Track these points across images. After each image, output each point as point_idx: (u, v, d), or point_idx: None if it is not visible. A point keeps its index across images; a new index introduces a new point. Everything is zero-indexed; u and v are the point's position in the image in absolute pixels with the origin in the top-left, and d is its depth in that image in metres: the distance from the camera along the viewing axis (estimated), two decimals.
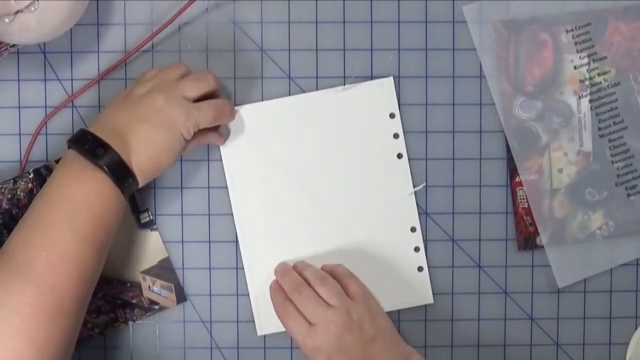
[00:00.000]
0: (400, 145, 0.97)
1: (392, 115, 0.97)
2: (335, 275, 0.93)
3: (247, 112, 0.96)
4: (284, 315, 0.92)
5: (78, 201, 0.82)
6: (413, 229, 0.97)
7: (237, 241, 0.96)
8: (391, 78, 0.96)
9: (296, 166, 0.96)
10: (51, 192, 0.84)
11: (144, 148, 0.85)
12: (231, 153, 0.96)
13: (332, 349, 0.88)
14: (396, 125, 0.96)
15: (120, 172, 0.84)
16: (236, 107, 0.95)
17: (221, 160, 0.96)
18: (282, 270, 0.94)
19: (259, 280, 0.96)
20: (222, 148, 0.96)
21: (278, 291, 0.93)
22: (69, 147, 0.85)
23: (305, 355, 0.91)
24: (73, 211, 0.82)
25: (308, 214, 0.96)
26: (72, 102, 0.96)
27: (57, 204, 0.83)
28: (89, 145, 0.83)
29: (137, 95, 0.87)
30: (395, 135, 0.97)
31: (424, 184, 0.96)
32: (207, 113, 0.89)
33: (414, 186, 0.96)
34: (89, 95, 0.96)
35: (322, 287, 0.91)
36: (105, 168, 0.83)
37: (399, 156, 0.97)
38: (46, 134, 0.96)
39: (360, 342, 0.89)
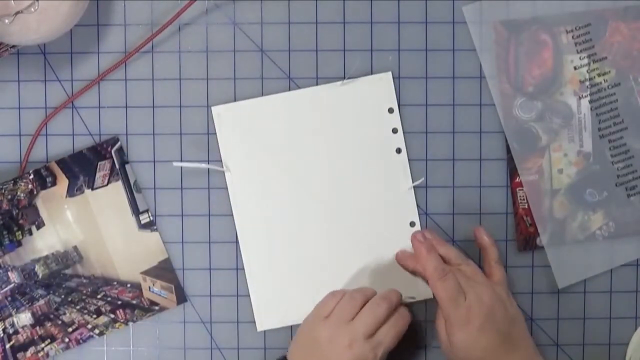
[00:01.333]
0: (399, 140, 0.97)
1: (390, 110, 0.97)
2: (486, 255, 0.94)
3: (245, 107, 0.96)
4: (441, 278, 0.90)
5: None
6: (412, 224, 0.97)
7: (237, 241, 0.96)
8: (389, 73, 0.96)
9: (296, 162, 0.96)
10: None
11: None
12: (230, 151, 0.96)
13: (484, 319, 0.88)
14: (395, 120, 0.96)
15: None
16: (234, 103, 0.95)
17: (220, 160, 0.96)
18: (427, 247, 0.92)
19: (259, 277, 0.96)
20: (221, 146, 0.96)
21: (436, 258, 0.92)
22: None
23: (451, 324, 0.89)
24: None
25: (308, 210, 0.96)
26: (72, 102, 0.96)
27: None
28: None
29: (323, 339, 0.89)
30: (394, 130, 0.97)
31: (423, 178, 0.96)
32: (390, 334, 0.90)
33: (413, 181, 0.97)
34: (89, 96, 0.96)
35: (468, 267, 0.91)
36: None
37: (398, 151, 0.97)
38: (46, 135, 0.96)
39: (506, 319, 0.89)
